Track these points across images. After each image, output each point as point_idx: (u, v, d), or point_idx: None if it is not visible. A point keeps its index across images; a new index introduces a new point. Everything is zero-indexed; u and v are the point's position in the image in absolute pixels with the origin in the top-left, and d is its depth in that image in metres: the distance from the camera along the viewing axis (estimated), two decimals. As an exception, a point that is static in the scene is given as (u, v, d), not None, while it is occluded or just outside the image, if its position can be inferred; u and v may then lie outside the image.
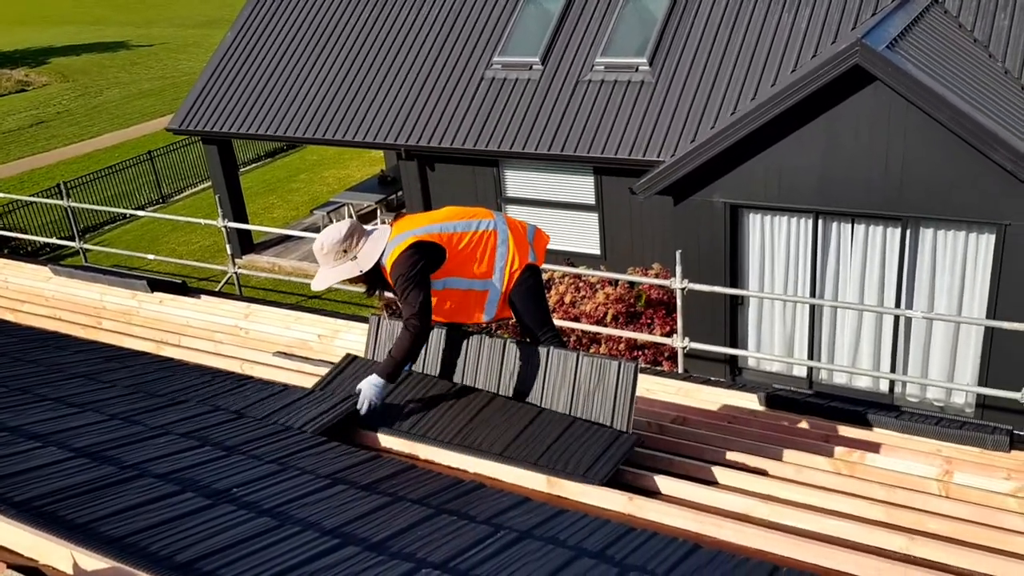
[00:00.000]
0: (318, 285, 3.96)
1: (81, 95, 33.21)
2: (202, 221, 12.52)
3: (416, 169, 13.47)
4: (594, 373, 3.78)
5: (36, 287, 7.05)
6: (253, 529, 2.43)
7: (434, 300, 3.94)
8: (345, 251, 3.86)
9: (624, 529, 2.80)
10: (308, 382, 4.74)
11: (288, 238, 16.11)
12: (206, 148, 15.70)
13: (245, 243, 15.75)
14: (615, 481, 3.38)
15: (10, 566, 1.93)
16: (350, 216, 16.49)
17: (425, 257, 3.83)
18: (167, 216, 14.29)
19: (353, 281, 3.99)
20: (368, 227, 3.97)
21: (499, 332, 10.40)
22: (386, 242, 3.87)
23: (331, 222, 16.65)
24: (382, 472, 3.14)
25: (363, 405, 3.74)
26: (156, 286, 6.96)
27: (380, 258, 3.87)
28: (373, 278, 3.95)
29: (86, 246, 14.15)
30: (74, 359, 4.63)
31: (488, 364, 4.04)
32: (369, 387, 3.75)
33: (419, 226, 3.92)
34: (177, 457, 3.01)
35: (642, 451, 3.91)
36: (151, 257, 13.60)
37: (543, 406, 3.87)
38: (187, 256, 15.93)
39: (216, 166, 15.42)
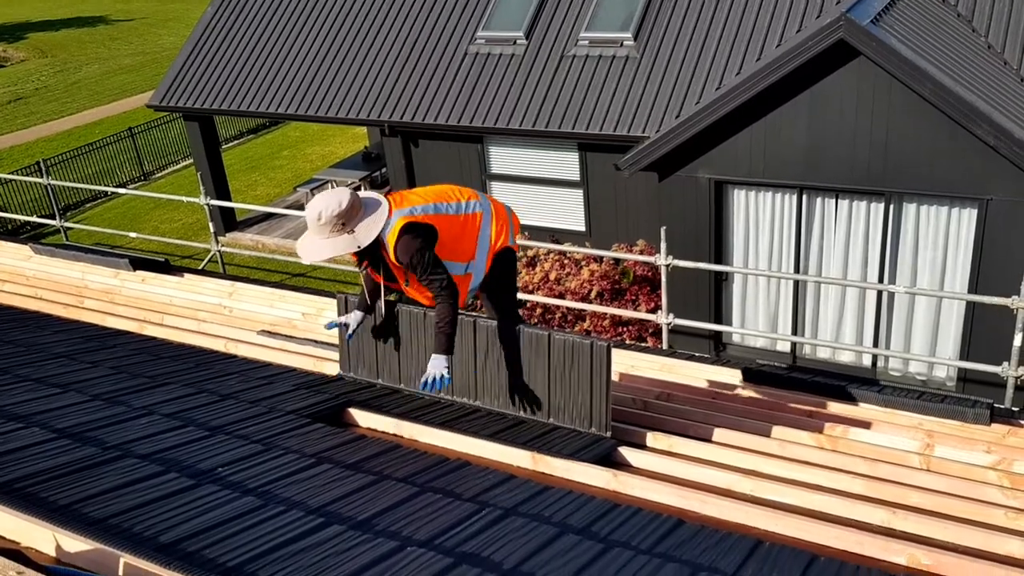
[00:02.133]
0: (310, 256, 3.74)
1: (60, 71, 32.77)
2: (184, 199, 12.42)
3: (400, 146, 13.38)
4: (568, 357, 3.78)
5: (17, 266, 6.98)
6: (238, 509, 2.43)
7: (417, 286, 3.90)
8: (344, 224, 3.68)
9: (609, 505, 2.82)
10: (292, 360, 4.73)
11: (271, 216, 16.00)
12: (187, 125, 15.53)
13: (228, 221, 15.64)
14: (600, 457, 3.40)
15: (-8, 548, 1.92)
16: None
17: (427, 236, 3.77)
18: (149, 194, 14.17)
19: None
20: (362, 194, 3.81)
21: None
22: (385, 219, 3.73)
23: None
24: (368, 451, 3.14)
25: (436, 378, 3.69)
26: (138, 264, 6.91)
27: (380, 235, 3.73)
28: (369, 254, 3.81)
29: (67, 224, 14.02)
30: (56, 339, 4.59)
31: (463, 347, 4.02)
32: (437, 364, 3.72)
33: (411, 204, 3.82)
34: (161, 437, 2.99)
35: (627, 427, 3.93)
36: (133, 235, 13.49)
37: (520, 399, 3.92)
38: (169, 234, 15.81)
39: (198, 143, 15.27)
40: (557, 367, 3.81)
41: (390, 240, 3.71)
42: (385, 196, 3.87)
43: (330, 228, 3.66)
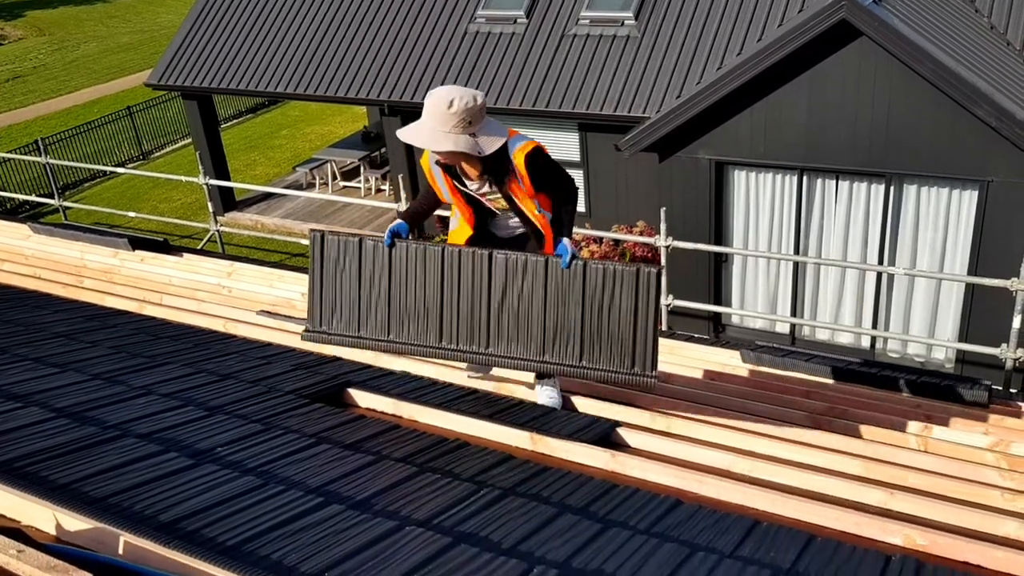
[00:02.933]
0: (427, 143, 3.36)
1: (58, 49, 32.61)
2: (183, 178, 12.39)
3: (399, 125, 13.34)
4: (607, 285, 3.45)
5: (15, 245, 6.98)
6: (237, 488, 2.43)
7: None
8: (470, 122, 3.31)
9: (607, 486, 2.83)
10: (292, 341, 4.73)
11: (270, 195, 15.97)
12: (186, 104, 15.48)
13: (227, 201, 15.61)
14: (598, 438, 3.40)
15: (-8, 527, 1.93)
16: (334, 172, 16.36)
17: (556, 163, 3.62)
18: (148, 173, 14.14)
19: (453, 160, 3.48)
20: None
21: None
22: (506, 135, 3.45)
23: (314, 180, 16.53)
24: (366, 431, 3.15)
25: (569, 259, 3.47)
26: (137, 244, 6.90)
27: (503, 149, 3.44)
28: (491, 165, 3.48)
29: (66, 204, 13.99)
30: (55, 318, 4.59)
31: (475, 285, 3.60)
32: (566, 248, 3.48)
33: None
34: (160, 417, 3.00)
35: (625, 408, 3.94)
36: (132, 215, 13.47)
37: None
38: (168, 214, 15.79)
39: (196, 122, 15.21)
40: (594, 301, 3.46)
41: (520, 151, 3.44)
42: None
43: (455, 122, 3.26)
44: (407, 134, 3.37)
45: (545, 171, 3.53)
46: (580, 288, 3.49)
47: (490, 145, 3.36)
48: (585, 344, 3.52)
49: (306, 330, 3.86)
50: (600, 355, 3.51)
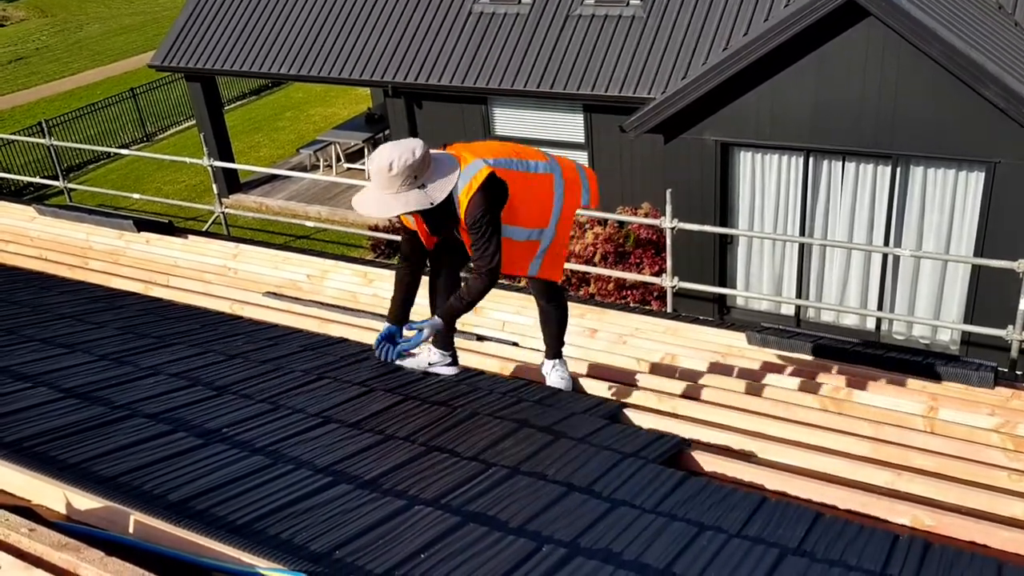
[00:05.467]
0: (378, 211, 3.30)
1: (60, 31, 32.50)
2: (187, 160, 12.37)
3: (403, 107, 13.29)
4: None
5: (21, 227, 6.98)
6: (246, 468, 2.44)
7: None
8: (416, 177, 3.21)
9: (614, 460, 2.83)
10: (298, 322, 4.74)
11: (275, 177, 15.95)
12: (190, 85, 15.43)
13: (231, 182, 15.59)
14: (606, 419, 3.41)
15: (2, 506, 1.93)
16: (338, 154, 16.32)
17: (501, 194, 3.35)
18: (152, 155, 14.12)
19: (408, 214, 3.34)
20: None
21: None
22: (458, 174, 3.30)
23: (318, 161, 16.50)
24: (374, 409, 3.16)
25: (416, 342, 3.49)
26: (143, 226, 6.90)
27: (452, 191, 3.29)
28: (439, 214, 3.35)
29: (70, 185, 13.98)
30: (62, 299, 4.60)
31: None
32: (434, 325, 3.47)
33: (482, 157, 3.38)
34: (168, 397, 3.01)
35: (632, 389, 3.94)
36: (136, 196, 13.46)
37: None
38: (173, 196, 15.77)
39: (200, 104, 15.17)
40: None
41: (465, 194, 3.27)
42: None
43: (400, 181, 3.20)
44: (359, 204, 3.32)
45: (476, 208, 3.29)
46: None
47: (440, 192, 3.25)
48: None
49: None
50: None
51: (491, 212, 3.30)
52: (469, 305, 3.48)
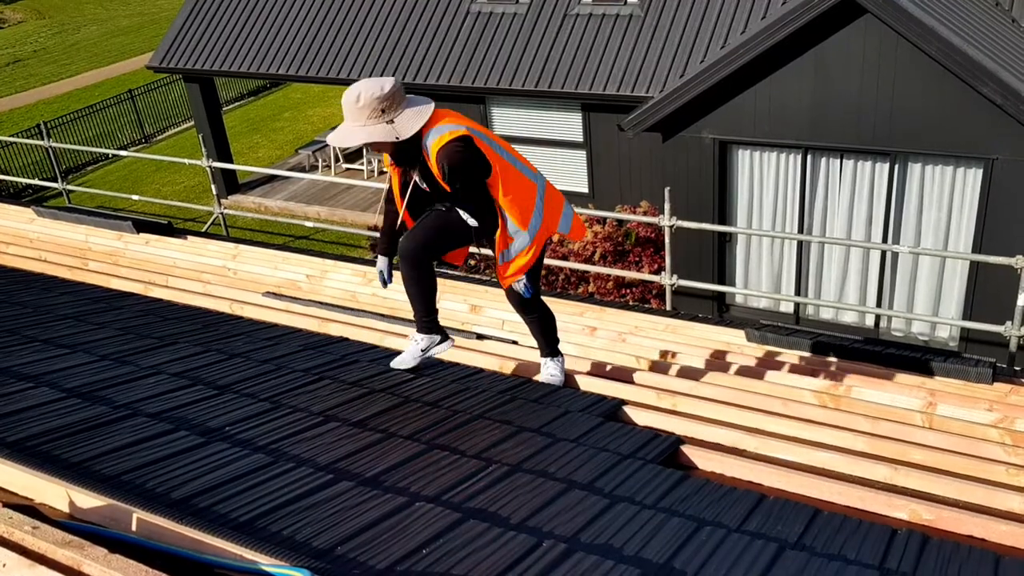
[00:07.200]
0: (343, 141, 3.37)
1: (58, 32, 32.50)
2: (186, 161, 12.38)
3: (402, 106, 13.31)
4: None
5: (20, 228, 6.99)
6: (247, 466, 2.45)
7: None
8: (383, 111, 3.26)
9: (613, 460, 2.85)
10: (298, 322, 4.75)
11: (273, 178, 15.96)
12: (188, 86, 15.44)
13: (230, 183, 15.60)
14: (605, 416, 3.42)
15: (6, 505, 1.94)
16: (336, 154, 16.33)
17: (477, 160, 3.34)
18: (150, 156, 14.11)
19: (377, 148, 3.40)
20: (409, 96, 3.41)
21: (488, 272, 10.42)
22: (428, 118, 3.32)
23: (317, 162, 16.51)
24: (374, 408, 3.17)
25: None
26: (142, 227, 6.92)
27: (422, 134, 3.32)
28: (405, 152, 3.38)
29: (69, 187, 13.99)
30: (62, 300, 4.61)
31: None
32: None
33: (472, 127, 3.40)
34: (169, 396, 3.02)
35: (631, 387, 3.95)
36: (135, 198, 13.47)
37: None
38: (172, 197, 15.78)
39: (198, 105, 15.18)
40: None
41: (435, 145, 3.29)
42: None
43: (368, 112, 3.25)
44: (333, 137, 3.40)
45: (458, 176, 3.34)
46: None
47: (407, 128, 3.29)
48: None
49: None
50: None
51: (464, 169, 3.32)
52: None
